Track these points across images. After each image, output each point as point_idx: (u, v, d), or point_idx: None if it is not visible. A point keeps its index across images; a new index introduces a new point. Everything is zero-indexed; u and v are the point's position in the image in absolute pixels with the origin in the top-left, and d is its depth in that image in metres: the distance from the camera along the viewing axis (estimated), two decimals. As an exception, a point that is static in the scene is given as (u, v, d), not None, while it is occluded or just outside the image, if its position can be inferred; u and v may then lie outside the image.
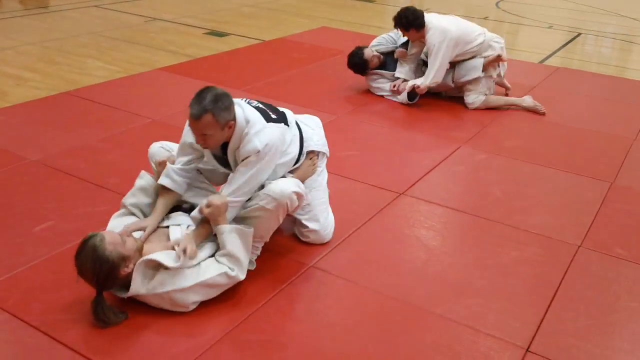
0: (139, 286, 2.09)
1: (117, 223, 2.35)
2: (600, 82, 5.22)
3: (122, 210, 2.42)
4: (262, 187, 2.32)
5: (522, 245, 2.70)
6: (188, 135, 2.36)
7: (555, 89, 4.92)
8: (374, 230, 2.78)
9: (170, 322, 2.11)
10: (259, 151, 2.23)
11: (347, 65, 4.48)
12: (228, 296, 2.22)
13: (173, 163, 2.40)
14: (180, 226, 2.31)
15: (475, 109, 4.30)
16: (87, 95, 4.28)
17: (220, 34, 6.34)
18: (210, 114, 2.14)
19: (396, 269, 2.49)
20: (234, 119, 2.23)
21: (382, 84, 4.49)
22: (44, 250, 2.51)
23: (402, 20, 4.11)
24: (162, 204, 2.34)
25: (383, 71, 4.47)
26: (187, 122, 2.30)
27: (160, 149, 2.54)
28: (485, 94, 4.31)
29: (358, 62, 4.43)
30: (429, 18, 4.13)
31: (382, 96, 4.48)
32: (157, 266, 2.12)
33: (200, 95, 2.18)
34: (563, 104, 4.60)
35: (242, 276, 2.20)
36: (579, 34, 7.23)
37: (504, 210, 2.99)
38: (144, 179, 2.45)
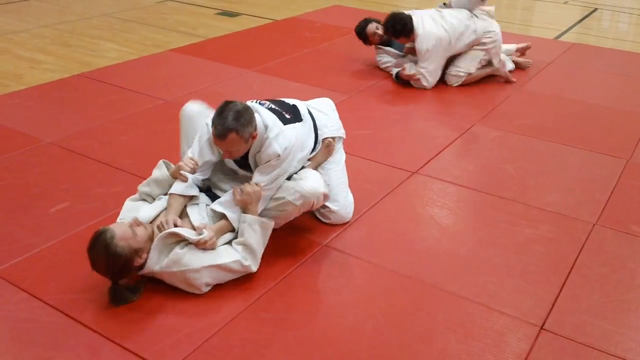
0: (153, 264, 2.11)
1: (131, 206, 2.37)
2: (616, 58, 5.13)
3: (136, 195, 2.44)
4: (289, 177, 2.37)
5: (536, 223, 2.69)
6: (206, 151, 2.37)
7: (570, 66, 4.85)
8: (387, 209, 2.77)
9: (185, 302, 2.14)
10: (279, 155, 2.29)
11: None
12: (242, 276, 2.23)
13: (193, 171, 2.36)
14: (199, 205, 2.33)
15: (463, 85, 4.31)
16: (101, 77, 4.29)
17: (232, 14, 6.32)
18: (235, 132, 2.18)
19: (409, 247, 2.49)
20: (256, 128, 2.26)
21: (386, 60, 4.48)
22: (60, 231, 2.54)
23: (391, 29, 4.15)
24: (179, 203, 2.30)
25: (388, 48, 4.47)
26: (202, 128, 2.40)
27: (198, 112, 2.59)
28: (469, 73, 4.27)
29: (358, 33, 4.47)
30: (417, 23, 4.10)
31: (385, 69, 4.50)
32: (174, 244, 2.14)
33: (222, 114, 2.21)
34: (578, 80, 4.54)
35: (254, 268, 2.23)
36: (595, 9, 7.10)
37: (517, 188, 2.97)
38: (160, 171, 2.42)
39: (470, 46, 4.20)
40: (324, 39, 5.36)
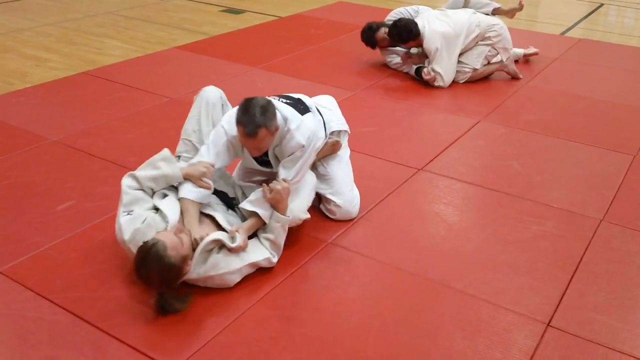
0: (191, 272, 2.11)
1: (138, 197, 2.28)
2: (623, 53, 5.10)
3: (135, 183, 2.32)
4: None
5: (542, 219, 2.68)
6: (224, 155, 2.37)
7: (576, 62, 4.83)
8: (392, 207, 2.77)
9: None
10: (303, 145, 2.30)
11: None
12: (248, 274, 2.23)
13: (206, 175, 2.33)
14: (219, 208, 2.35)
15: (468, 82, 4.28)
16: (106, 75, 4.29)
17: (237, 11, 6.31)
18: (265, 128, 2.18)
19: (415, 244, 2.48)
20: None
21: (396, 61, 4.46)
22: (65, 229, 2.55)
23: (397, 37, 4.13)
24: (196, 209, 2.27)
25: (395, 48, 4.44)
26: (216, 131, 2.37)
27: (216, 100, 2.60)
28: (475, 69, 4.25)
29: (367, 39, 4.42)
30: (422, 25, 4.09)
31: (396, 69, 4.47)
32: (210, 250, 2.15)
33: (247, 111, 2.19)
34: (584, 76, 4.52)
35: (276, 261, 2.28)
36: (601, 5, 7.06)
37: (523, 185, 2.96)
38: (171, 167, 2.32)
39: (476, 41, 4.18)
40: (329, 36, 5.35)
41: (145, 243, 2.01)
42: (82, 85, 4.14)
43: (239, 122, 2.20)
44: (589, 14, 6.65)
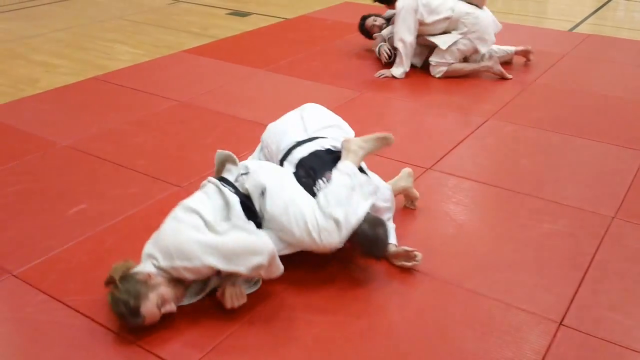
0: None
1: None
2: (632, 48, 5.07)
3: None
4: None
5: (553, 217, 2.66)
6: None
7: (585, 58, 4.80)
8: (402, 206, 2.76)
9: (200, 303, 2.14)
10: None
11: None
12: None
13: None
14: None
15: (452, 78, 4.27)
16: (115, 80, 4.32)
17: (243, 14, 6.33)
18: None
19: (425, 244, 2.47)
20: None
21: (378, 41, 4.63)
22: (78, 232, 2.56)
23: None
24: None
25: (381, 33, 4.61)
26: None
27: None
28: (451, 63, 4.25)
29: (361, 30, 4.81)
30: None
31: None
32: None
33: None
34: (594, 72, 4.49)
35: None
36: None
37: (534, 183, 2.95)
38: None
39: (447, 25, 4.18)
40: (335, 36, 5.35)
41: (127, 299, 1.95)
42: (92, 90, 4.17)
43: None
44: (598, 9, 6.61)
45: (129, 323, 1.98)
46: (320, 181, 2.25)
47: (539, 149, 3.31)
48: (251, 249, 2.01)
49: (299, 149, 2.41)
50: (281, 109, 3.79)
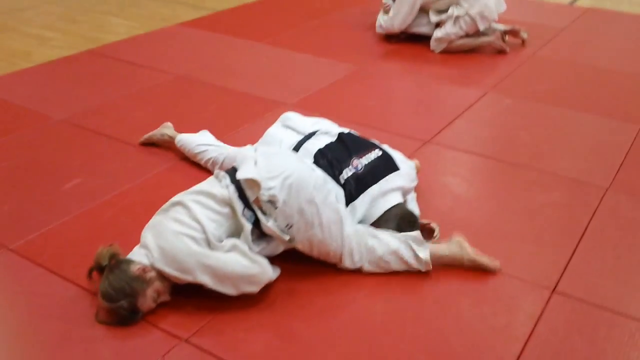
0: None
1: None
2: (633, 22, 5.03)
3: None
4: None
5: (549, 189, 2.67)
6: None
7: (585, 31, 4.77)
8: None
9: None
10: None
11: None
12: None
13: None
14: None
15: (458, 53, 4.23)
16: (110, 53, 4.29)
17: (240, -13, 6.25)
18: None
19: (423, 215, 2.47)
20: None
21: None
22: (74, 206, 2.57)
23: None
24: None
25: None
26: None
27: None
28: (452, 40, 4.20)
29: None
30: None
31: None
32: None
33: None
34: (593, 46, 4.46)
35: None
36: (610, -28, 6.95)
37: (531, 155, 2.95)
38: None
39: (450, 1, 4.14)
40: (334, 8, 5.30)
41: (122, 286, 1.91)
42: (87, 63, 4.14)
43: None
44: (597, -18, 6.54)
45: (124, 321, 1.93)
46: (347, 170, 2.23)
47: (536, 122, 3.31)
48: (248, 278, 1.96)
49: (309, 142, 2.37)
50: (279, 82, 3.80)
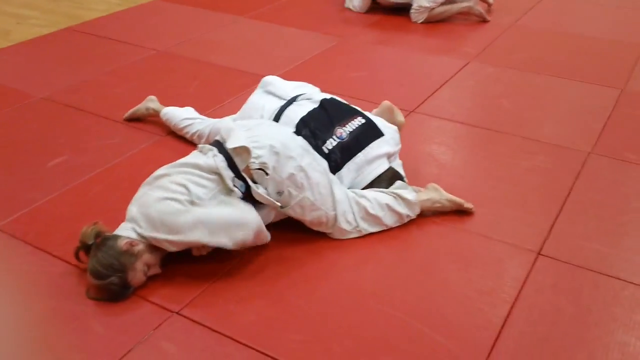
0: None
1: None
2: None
3: None
4: None
5: (532, 155, 2.71)
6: None
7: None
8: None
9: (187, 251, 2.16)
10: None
11: None
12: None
13: None
14: None
15: (427, 23, 4.24)
16: (90, 30, 4.23)
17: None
18: None
19: (409, 183, 2.50)
20: None
21: None
22: (59, 183, 2.55)
23: None
24: None
25: None
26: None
27: None
28: (432, 8, 4.20)
29: None
30: None
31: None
32: None
33: None
34: (574, 13, 4.48)
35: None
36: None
37: (514, 122, 2.98)
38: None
39: None
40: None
41: (110, 263, 1.91)
42: (67, 41, 4.08)
43: None
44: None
45: (115, 297, 1.93)
46: (331, 140, 2.24)
47: (518, 90, 3.33)
48: (237, 222, 1.96)
49: (290, 108, 2.34)
50: (261, 56, 3.78)
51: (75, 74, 3.55)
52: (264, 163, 2.02)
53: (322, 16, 4.44)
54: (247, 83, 3.30)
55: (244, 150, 2.03)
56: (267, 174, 2.02)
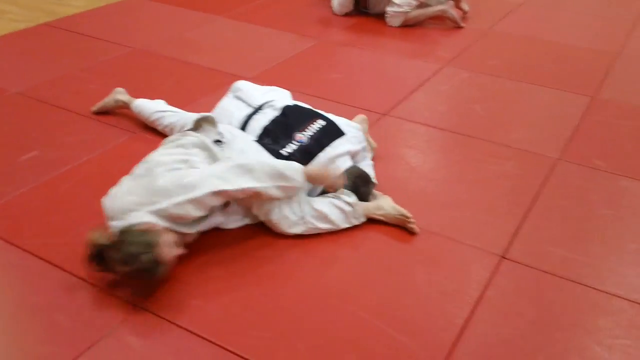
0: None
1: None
2: (590, -2, 5.14)
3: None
4: None
5: (502, 160, 2.75)
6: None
7: (542, 6, 4.86)
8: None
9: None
10: None
11: None
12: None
13: None
14: None
15: (403, 27, 4.29)
16: (67, 26, 4.21)
17: (201, -40, 6.15)
18: None
19: (379, 186, 2.52)
20: None
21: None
22: (31, 178, 2.54)
23: None
24: None
25: None
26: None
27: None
28: (407, 11, 4.25)
29: None
30: None
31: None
32: None
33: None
34: (549, 21, 4.56)
35: None
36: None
37: (485, 127, 3.02)
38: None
39: None
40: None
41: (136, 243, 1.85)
42: (44, 36, 4.06)
43: None
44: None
45: (149, 276, 1.88)
46: (291, 144, 2.32)
47: (491, 95, 3.38)
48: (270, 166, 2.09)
49: (255, 117, 2.45)
50: (238, 56, 3.79)
51: (51, 70, 3.53)
52: (222, 134, 2.26)
53: (300, 17, 4.46)
54: (223, 82, 3.30)
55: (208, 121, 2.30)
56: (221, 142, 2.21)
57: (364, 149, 2.53)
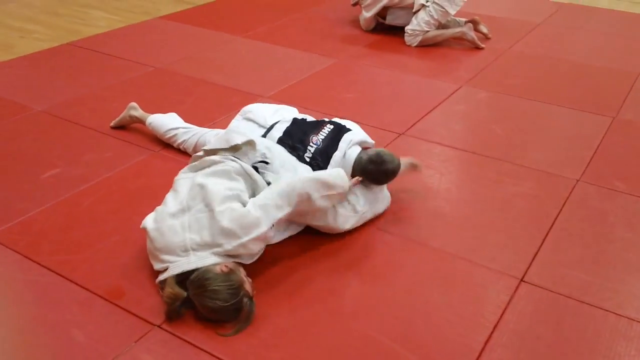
0: None
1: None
2: (610, 18, 5.11)
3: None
4: None
5: (520, 180, 2.73)
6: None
7: (561, 26, 4.85)
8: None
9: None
10: None
11: None
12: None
13: None
14: None
15: (421, 46, 4.32)
16: (90, 46, 4.29)
17: (222, -20, 6.25)
18: None
19: (395, 206, 2.53)
20: None
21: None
22: (52, 195, 2.58)
23: None
24: None
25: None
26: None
27: None
28: (426, 31, 4.27)
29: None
30: None
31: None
32: None
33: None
34: (569, 41, 4.54)
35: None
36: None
37: (503, 147, 3.01)
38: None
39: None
40: (314, 2, 5.33)
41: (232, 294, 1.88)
42: (67, 56, 4.14)
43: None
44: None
45: (237, 316, 1.91)
46: (309, 147, 2.42)
47: (510, 115, 3.37)
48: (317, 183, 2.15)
49: (269, 135, 2.50)
50: (256, 75, 3.83)
51: (74, 88, 3.60)
52: (264, 154, 2.27)
53: (319, 37, 4.50)
54: (241, 101, 3.33)
55: (249, 145, 2.27)
56: (267, 163, 2.24)
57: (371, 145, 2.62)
